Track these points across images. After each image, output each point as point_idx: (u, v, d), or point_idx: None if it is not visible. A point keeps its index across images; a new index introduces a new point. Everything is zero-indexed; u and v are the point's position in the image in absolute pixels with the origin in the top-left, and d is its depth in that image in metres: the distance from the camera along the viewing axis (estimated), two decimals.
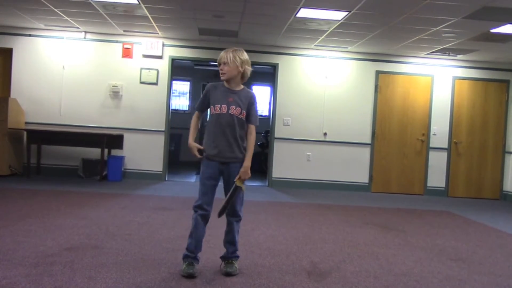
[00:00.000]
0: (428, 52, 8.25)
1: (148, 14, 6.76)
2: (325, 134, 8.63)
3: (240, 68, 3.16)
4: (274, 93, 8.72)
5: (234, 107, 3.16)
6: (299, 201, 7.02)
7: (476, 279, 3.48)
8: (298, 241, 4.35)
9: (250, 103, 3.20)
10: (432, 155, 8.79)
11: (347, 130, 8.65)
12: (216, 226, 4.71)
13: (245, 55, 3.19)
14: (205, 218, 3.28)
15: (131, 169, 8.37)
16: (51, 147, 8.18)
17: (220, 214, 3.22)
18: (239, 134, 3.17)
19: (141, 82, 8.38)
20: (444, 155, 8.81)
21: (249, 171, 3.18)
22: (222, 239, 4.23)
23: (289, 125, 8.60)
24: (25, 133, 7.94)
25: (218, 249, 3.85)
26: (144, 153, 8.36)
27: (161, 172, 8.41)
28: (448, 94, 8.82)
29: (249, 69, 3.21)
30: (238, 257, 3.33)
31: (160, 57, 8.41)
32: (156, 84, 8.40)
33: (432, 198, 8.48)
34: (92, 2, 6.24)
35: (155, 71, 8.39)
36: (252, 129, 3.21)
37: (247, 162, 3.18)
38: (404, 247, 4.40)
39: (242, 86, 3.25)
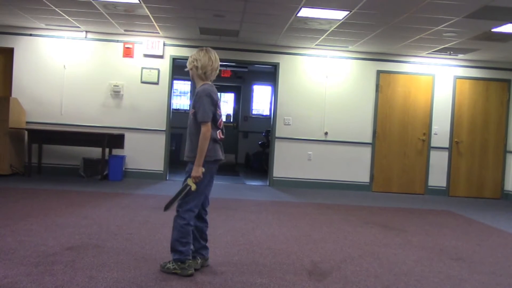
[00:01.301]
0: (429, 52, 8.24)
1: (149, 14, 6.76)
2: (326, 133, 8.63)
3: (189, 66, 3.25)
4: (275, 92, 8.72)
5: (191, 107, 3.25)
6: (300, 201, 7.02)
7: (477, 279, 3.48)
8: (299, 241, 4.35)
9: (195, 100, 3.19)
10: (433, 154, 8.78)
11: (348, 129, 8.64)
12: (216, 226, 4.72)
13: (200, 55, 3.22)
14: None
15: (132, 168, 8.37)
16: (52, 147, 8.19)
17: (165, 208, 3.22)
18: (193, 133, 3.18)
19: (142, 82, 8.39)
20: (445, 154, 8.81)
21: (198, 170, 3.09)
22: (221, 239, 4.26)
23: (290, 124, 8.60)
24: (26, 132, 7.94)
25: (218, 248, 3.85)
26: (145, 153, 8.37)
27: (162, 172, 8.42)
28: (449, 94, 8.81)
29: (201, 67, 3.19)
30: (173, 260, 3.14)
31: (161, 57, 8.41)
32: (157, 83, 8.41)
33: (433, 197, 8.47)
34: (93, 1, 6.24)
35: (156, 71, 8.39)
36: (200, 127, 3.13)
37: (196, 161, 3.11)
38: (405, 246, 4.40)
39: (201, 83, 3.26)
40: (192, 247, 3.23)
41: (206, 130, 3.10)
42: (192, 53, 3.28)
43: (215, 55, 3.27)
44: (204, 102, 3.13)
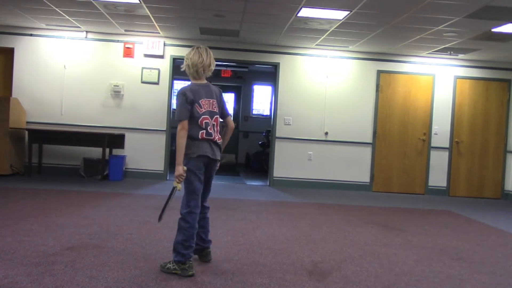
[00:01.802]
0: (430, 52, 8.24)
1: (149, 14, 6.76)
2: (326, 133, 8.63)
3: (183, 67, 3.31)
4: (275, 92, 8.72)
5: None
6: (300, 201, 7.02)
7: (477, 279, 3.48)
8: (299, 241, 4.35)
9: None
10: (433, 154, 8.78)
11: (348, 129, 8.64)
12: (216, 226, 4.73)
13: (190, 53, 3.25)
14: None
15: (132, 168, 8.37)
16: (53, 147, 8.19)
17: (158, 219, 3.30)
18: None
19: (142, 82, 8.39)
20: (445, 154, 8.80)
21: (178, 169, 3.12)
22: (221, 239, 4.26)
23: (290, 124, 8.60)
24: (26, 132, 7.95)
25: (219, 248, 3.85)
26: (146, 153, 8.37)
27: (162, 172, 8.42)
28: (449, 93, 8.80)
29: (192, 65, 3.22)
30: (174, 261, 3.14)
31: (161, 57, 8.41)
32: (157, 83, 8.41)
33: (433, 197, 8.47)
34: (93, 1, 6.24)
35: (156, 71, 8.39)
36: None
37: (176, 161, 3.13)
38: (405, 246, 4.40)
39: (193, 82, 3.30)
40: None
41: (179, 128, 3.11)
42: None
43: (206, 52, 3.24)
44: (179, 100, 3.14)
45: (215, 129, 3.25)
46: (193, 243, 3.17)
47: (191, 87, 3.21)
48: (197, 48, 3.25)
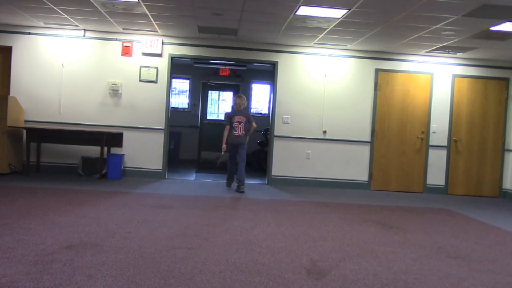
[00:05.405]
0: (428, 50, 8.24)
1: (147, 12, 6.75)
2: (324, 132, 8.63)
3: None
4: (273, 91, 8.72)
5: None
6: (298, 199, 7.03)
7: (475, 277, 3.49)
8: (297, 239, 4.35)
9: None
10: (431, 153, 8.79)
11: (346, 128, 8.65)
12: (215, 225, 4.73)
13: (235, 98, 7.54)
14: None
15: (131, 167, 8.37)
16: (51, 145, 8.18)
17: (217, 164, 7.52)
18: None
19: (141, 80, 8.38)
20: (443, 153, 8.82)
21: (223, 146, 7.56)
22: (219, 238, 4.26)
23: (288, 123, 8.60)
24: (24, 131, 7.93)
25: (217, 247, 3.85)
26: (144, 151, 8.36)
27: (160, 170, 8.42)
28: (447, 92, 8.81)
29: (234, 103, 7.51)
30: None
31: (159, 55, 8.40)
32: (155, 82, 8.40)
33: (432, 196, 8.48)
34: (91, 0, 6.23)
35: (155, 69, 8.39)
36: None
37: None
38: (403, 245, 4.40)
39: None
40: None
41: (225, 128, 7.48)
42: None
43: (244, 98, 7.57)
44: (225, 117, 7.66)
45: (241, 129, 7.27)
46: (228, 175, 7.62)
47: (232, 111, 7.58)
48: (238, 96, 7.54)
